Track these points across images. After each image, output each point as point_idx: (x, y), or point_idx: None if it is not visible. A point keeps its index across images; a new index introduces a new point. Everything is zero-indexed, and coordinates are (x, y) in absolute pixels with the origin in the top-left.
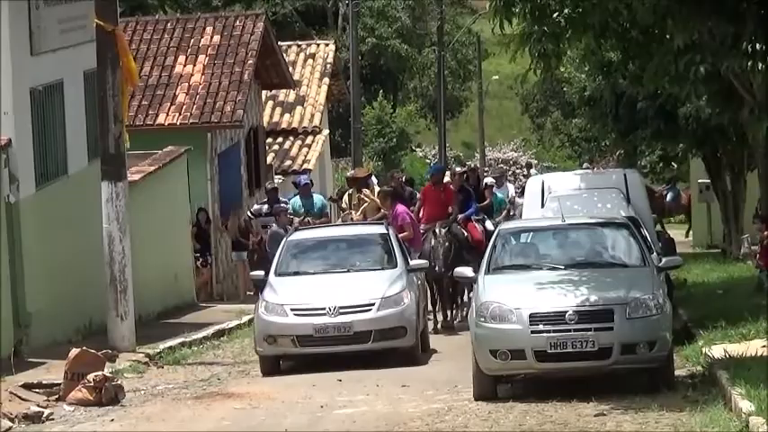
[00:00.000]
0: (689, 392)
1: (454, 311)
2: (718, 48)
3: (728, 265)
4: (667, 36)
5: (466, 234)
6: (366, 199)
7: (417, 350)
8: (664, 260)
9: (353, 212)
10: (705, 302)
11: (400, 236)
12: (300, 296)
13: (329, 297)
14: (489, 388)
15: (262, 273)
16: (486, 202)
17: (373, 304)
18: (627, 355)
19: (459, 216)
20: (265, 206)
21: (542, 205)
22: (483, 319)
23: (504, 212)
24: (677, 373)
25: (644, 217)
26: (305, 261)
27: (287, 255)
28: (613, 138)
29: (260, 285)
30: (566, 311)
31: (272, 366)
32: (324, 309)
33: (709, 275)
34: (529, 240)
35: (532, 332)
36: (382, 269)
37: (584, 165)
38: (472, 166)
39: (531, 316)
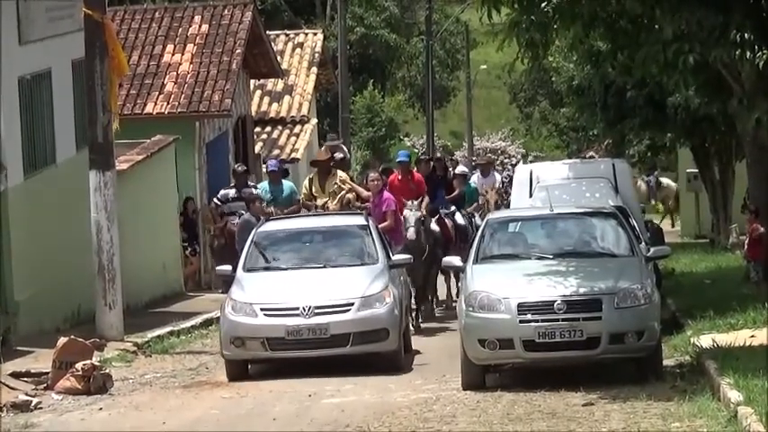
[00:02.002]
0: (677, 382)
1: (423, 308)
2: (706, 38)
3: (717, 255)
4: (656, 26)
5: (438, 229)
6: (343, 186)
7: (400, 355)
8: (652, 250)
9: (320, 199)
10: (693, 292)
11: (380, 226)
12: (271, 294)
13: (303, 296)
14: (477, 377)
15: (228, 267)
16: (455, 193)
17: (352, 304)
18: (615, 345)
19: (424, 203)
20: (232, 191)
21: (530, 195)
22: (471, 309)
23: (475, 204)
24: (665, 362)
25: (632, 207)
26: (276, 255)
27: (256, 248)
28: (601, 127)
29: (227, 281)
30: (554, 301)
31: (240, 371)
32: (297, 309)
33: (697, 265)
34: (517, 230)
35: (521, 322)
36: (362, 265)
37: (589, 154)
38: (438, 155)
39: (519, 305)
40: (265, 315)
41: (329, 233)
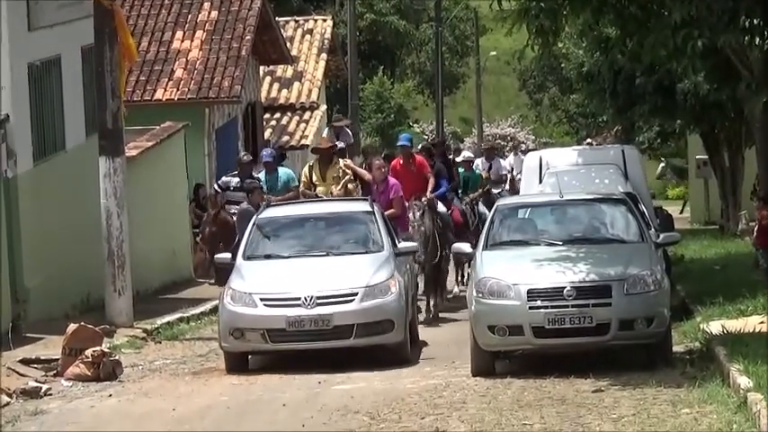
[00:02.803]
0: (687, 368)
1: (438, 300)
2: (715, 23)
3: (726, 242)
4: (665, 11)
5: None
6: (348, 171)
7: (406, 347)
8: (662, 236)
9: (321, 187)
10: (703, 279)
11: (386, 213)
12: (272, 284)
13: (305, 285)
14: (487, 364)
15: (228, 256)
16: (454, 182)
17: (356, 294)
18: (625, 331)
19: (430, 195)
20: (235, 179)
21: (540, 181)
22: (481, 295)
23: (479, 191)
24: (675, 349)
25: (642, 193)
26: (277, 243)
27: (257, 235)
28: (611, 114)
29: (226, 270)
30: (564, 287)
31: (239, 363)
32: (299, 299)
33: (706, 251)
34: (527, 216)
35: (530, 308)
36: (366, 253)
37: (587, 142)
38: (437, 140)
39: (529, 292)
40: (265, 305)
41: (332, 220)
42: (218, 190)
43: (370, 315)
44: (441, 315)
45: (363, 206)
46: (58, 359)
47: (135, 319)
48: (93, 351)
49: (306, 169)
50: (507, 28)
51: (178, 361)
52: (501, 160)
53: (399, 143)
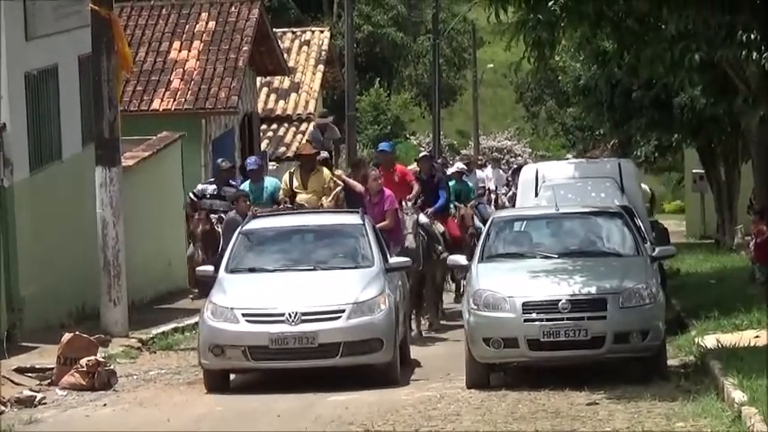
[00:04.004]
0: (681, 382)
1: (423, 317)
2: (712, 37)
3: (722, 256)
4: (662, 25)
5: (443, 230)
6: (339, 182)
7: (396, 367)
8: (657, 250)
9: (302, 195)
10: (698, 292)
11: (379, 225)
12: (255, 298)
13: (290, 301)
14: (482, 376)
15: (210, 268)
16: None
17: (343, 311)
18: (620, 345)
19: (429, 210)
20: (211, 187)
21: (536, 194)
22: (476, 308)
23: (473, 202)
24: (670, 362)
25: (638, 206)
26: (262, 255)
27: (241, 247)
28: (608, 127)
29: (208, 284)
30: (559, 300)
31: (220, 382)
32: (282, 315)
33: (702, 265)
34: (522, 229)
35: (525, 320)
36: (356, 268)
37: (567, 156)
38: (426, 154)
39: (524, 304)
40: (247, 321)
41: (321, 232)
42: (194, 198)
43: (358, 333)
44: (433, 334)
45: (354, 219)
46: (52, 368)
47: (130, 329)
48: (88, 360)
49: (286, 176)
50: (506, 41)
51: (173, 371)
52: (478, 172)
53: (379, 149)
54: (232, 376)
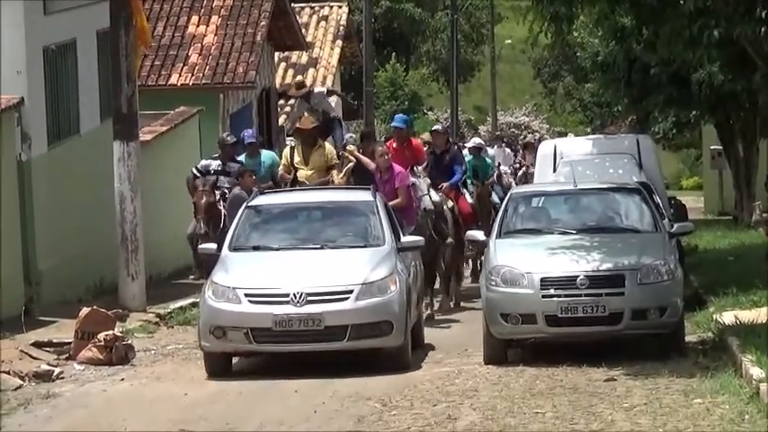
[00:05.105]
0: (699, 359)
1: (431, 299)
2: (731, 13)
3: (740, 232)
4: (681, 1)
5: (452, 204)
6: (350, 157)
7: (406, 352)
8: (675, 226)
9: (303, 171)
10: (716, 269)
11: (391, 203)
12: (258, 278)
13: (295, 280)
14: (499, 352)
15: (213, 246)
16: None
17: (351, 291)
18: (637, 321)
19: (444, 185)
20: (215, 162)
21: (554, 170)
22: (494, 283)
23: (491, 179)
24: (688, 339)
25: (656, 183)
26: (268, 233)
27: (246, 224)
28: (626, 103)
29: (211, 262)
30: (577, 276)
31: (221, 366)
32: (287, 295)
33: (720, 242)
34: (540, 205)
35: (543, 296)
36: (365, 247)
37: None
38: (440, 129)
39: (542, 280)
40: (250, 302)
41: (330, 210)
42: (197, 174)
43: (367, 315)
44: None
45: (365, 195)
46: (70, 342)
47: (148, 304)
48: (106, 335)
49: (287, 151)
50: (524, 16)
51: (191, 346)
52: (489, 150)
53: (394, 124)
54: (235, 360)
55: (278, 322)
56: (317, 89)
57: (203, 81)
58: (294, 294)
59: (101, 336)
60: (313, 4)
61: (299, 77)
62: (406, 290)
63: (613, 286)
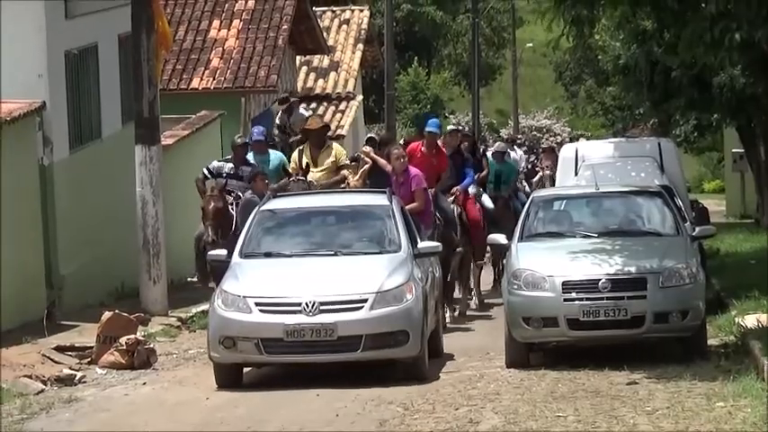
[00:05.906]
0: (721, 362)
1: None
2: (753, 17)
3: (762, 235)
4: (702, 4)
5: (460, 210)
6: (367, 159)
7: (423, 362)
8: (697, 229)
9: (312, 173)
10: (738, 272)
11: (408, 207)
12: (269, 286)
13: (307, 289)
14: (521, 355)
15: (223, 252)
16: (483, 173)
17: (365, 300)
18: (660, 324)
19: (457, 189)
20: (228, 165)
21: (576, 173)
22: (516, 287)
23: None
24: (710, 342)
25: (678, 186)
26: (280, 239)
27: (257, 229)
28: (647, 106)
29: (221, 270)
30: (599, 279)
31: (232, 377)
32: (299, 304)
33: (742, 245)
34: (562, 208)
35: (565, 300)
36: (381, 253)
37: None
38: (466, 130)
39: (564, 284)
40: (261, 311)
41: (345, 214)
42: (207, 176)
43: (382, 325)
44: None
45: (381, 199)
46: (92, 347)
47: (169, 308)
48: (128, 339)
49: (295, 154)
50: (546, 22)
51: None
52: (512, 153)
53: (428, 129)
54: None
55: (289, 332)
56: (301, 110)
57: (225, 85)
58: (306, 303)
59: (123, 340)
60: (335, 8)
61: (285, 94)
62: (422, 298)
63: (635, 289)
